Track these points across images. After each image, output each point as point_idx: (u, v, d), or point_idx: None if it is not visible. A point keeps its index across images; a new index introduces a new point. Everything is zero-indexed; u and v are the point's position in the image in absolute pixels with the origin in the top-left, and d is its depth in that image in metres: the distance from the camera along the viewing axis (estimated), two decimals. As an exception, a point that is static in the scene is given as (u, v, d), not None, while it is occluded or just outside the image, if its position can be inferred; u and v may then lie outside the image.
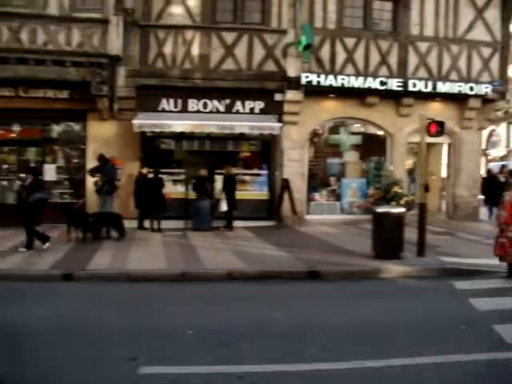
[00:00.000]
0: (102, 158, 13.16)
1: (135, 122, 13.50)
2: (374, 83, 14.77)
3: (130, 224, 12.83)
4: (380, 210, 10.43)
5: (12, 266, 9.30)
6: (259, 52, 14.56)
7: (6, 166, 14.86)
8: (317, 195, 15.83)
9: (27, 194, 10.84)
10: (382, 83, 14.81)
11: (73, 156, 15.05)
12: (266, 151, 15.35)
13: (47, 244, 10.81)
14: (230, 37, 14.46)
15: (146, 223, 13.64)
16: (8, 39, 13.36)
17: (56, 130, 14.99)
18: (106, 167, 13.05)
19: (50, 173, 14.51)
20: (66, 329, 6.02)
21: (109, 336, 5.76)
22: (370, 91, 14.92)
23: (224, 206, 13.89)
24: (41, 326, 6.13)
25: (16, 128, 14.77)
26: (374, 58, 15.04)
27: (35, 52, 13.36)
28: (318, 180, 16.02)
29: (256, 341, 5.63)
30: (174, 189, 14.60)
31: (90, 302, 7.34)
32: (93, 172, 13.18)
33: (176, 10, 14.44)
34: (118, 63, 13.93)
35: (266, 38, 14.60)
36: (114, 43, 13.66)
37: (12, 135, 14.88)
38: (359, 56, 14.97)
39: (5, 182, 14.72)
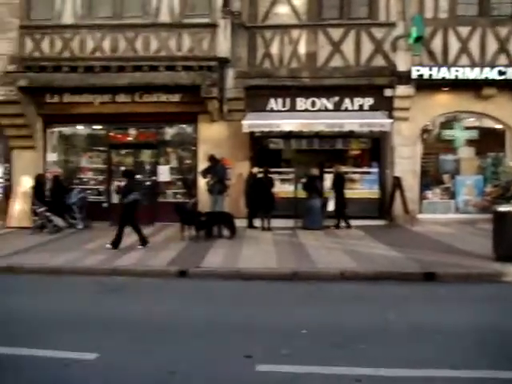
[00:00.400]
0: (212, 159, 13.43)
1: (244, 122, 13.72)
2: (491, 73, 13.93)
3: (240, 223, 13.02)
4: (502, 208, 9.77)
5: (131, 262, 9.76)
6: (367, 47, 14.24)
7: (123, 168, 15.59)
8: (429, 193, 15.20)
9: (122, 195, 11.40)
10: (501, 73, 13.92)
11: (185, 157, 15.58)
12: (376, 149, 14.97)
13: (109, 246, 11.07)
14: (336, 33, 14.27)
15: (256, 222, 13.79)
16: (124, 49, 14.14)
17: (169, 132, 15.63)
18: (216, 167, 13.32)
19: (164, 174, 15.14)
20: (183, 325, 6.19)
21: (225, 333, 5.86)
22: (487, 82, 14.08)
23: (331, 205, 13.76)
24: (159, 322, 6.36)
25: (132, 131, 15.57)
26: (492, 46, 14.14)
27: (149, 59, 14.01)
28: (430, 178, 15.36)
29: (371, 343, 5.48)
30: (282, 188, 14.63)
31: (204, 299, 7.52)
32: (204, 173, 13.49)
33: (282, 9, 14.49)
34: (226, 65, 14.26)
35: (374, 32, 14.24)
36: (223, 46, 14.00)
37: (128, 138, 15.69)
38: (474, 45, 14.16)
39: (123, 183, 15.43)
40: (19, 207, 14.96)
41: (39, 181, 14.17)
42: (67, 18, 14.44)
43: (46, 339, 5.68)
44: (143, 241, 11.23)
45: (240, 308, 7.01)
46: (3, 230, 14.56)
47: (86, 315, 6.68)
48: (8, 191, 15.58)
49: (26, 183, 14.90)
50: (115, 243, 11.03)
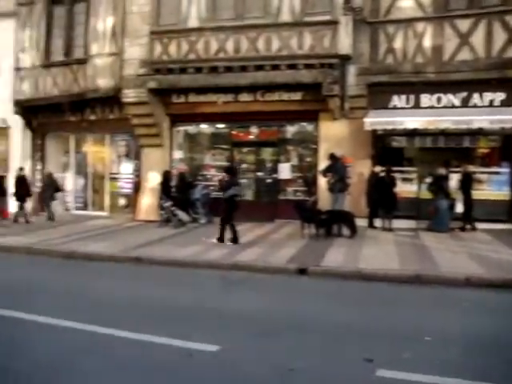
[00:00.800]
0: (332, 157, 13.32)
1: (367, 120, 13.41)
2: None
3: (360, 222, 12.78)
4: None
5: (251, 258, 9.94)
6: (500, 37, 13.19)
7: (244, 166, 16.04)
8: None
9: (223, 190, 11.67)
10: None
11: (305, 155, 15.61)
12: (507, 147, 13.92)
13: (213, 240, 11.40)
14: (464, 24, 13.43)
15: (377, 222, 13.50)
16: (247, 49, 14.42)
17: (290, 130, 15.77)
18: (336, 166, 13.19)
19: (284, 171, 15.30)
20: (301, 323, 6.16)
21: (344, 334, 5.77)
22: None
23: (459, 207, 13.10)
24: (276, 318, 6.38)
25: (254, 130, 15.88)
26: None
27: (270, 58, 14.17)
28: None
29: (498, 357, 5.02)
30: (404, 187, 14.09)
31: (324, 298, 7.47)
32: (325, 172, 13.41)
33: (405, 2, 13.94)
34: (348, 62, 14.04)
35: (509, 20, 13.14)
36: (344, 43, 13.81)
37: (250, 137, 16.02)
38: None
39: (244, 180, 15.84)
40: (147, 202, 15.89)
41: (166, 177, 14.89)
42: (193, 22, 15.00)
43: (169, 328, 5.93)
44: (235, 238, 11.38)
45: (360, 309, 6.86)
46: (132, 222, 15.52)
47: (206, 307, 6.91)
48: (137, 186, 16.57)
49: (153, 179, 15.78)
50: (234, 239, 11.34)
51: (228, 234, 11.41)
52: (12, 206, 16.37)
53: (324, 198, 13.76)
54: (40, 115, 18.21)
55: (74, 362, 4.95)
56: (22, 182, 16.10)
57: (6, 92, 18.17)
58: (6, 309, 6.63)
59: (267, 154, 15.98)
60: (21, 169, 16.57)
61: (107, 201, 17.82)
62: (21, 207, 15.96)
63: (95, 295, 7.65)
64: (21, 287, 8.09)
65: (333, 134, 14.47)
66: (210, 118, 15.95)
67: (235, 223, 11.51)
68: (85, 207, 18.33)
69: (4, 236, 13.11)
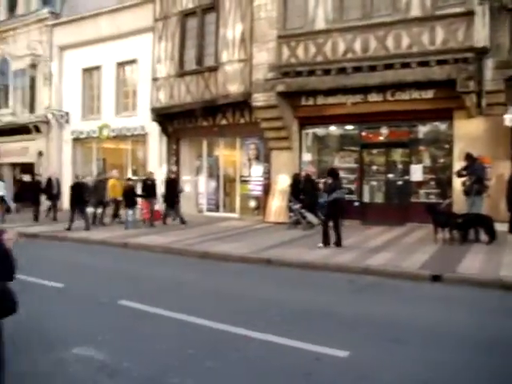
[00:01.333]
0: (469, 157, 12.55)
1: (507, 116, 12.51)
2: None
3: (500, 227, 11.90)
4: None
5: (382, 263, 9.69)
6: None
7: (374, 167, 15.71)
8: None
9: (327, 194, 11.54)
10: None
11: (438, 156, 14.93)
12: None
13: (320, 245, 11.33)
14: None
15: (519, 228, 12.55)
16: (375, 48, 14.07)
17: (422, 130, 15.14)
18: (473, 166, 12.42)
19: (416, 173, 14.75)
20: (430, 333, 5.91)
21: (485, 349, 5.40)
22: None
23: None
24: (408, 325, 6.20)
25: (384, 131, 15.45)
26: None
27: (400, 56, 13.71)
28: None
29: None
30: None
31: (459, 307, 7.10)
32: (460, 173, 12.68)
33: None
34: (484, 56, 13.18)
35: None
36: (480, 35, 12.98)
37: (380, 138, 15.63)
38: None
39: (374, 183, 15.55)
40: (277, 204, 16.16)
41: (295, 179, 15.02)
42: (319, 24, 14.93)
43: (298, 330, 5.98)
44: (337, 241, 11.37)
45: (502, 321, 6.39)
46: (262, 224, 15.83)
47: (335, 311, 6.87)
48: (267, 189, 16.88)
49: (283, 182, 15.99)
50: (325, 241, 11.39)
51: (333, 237, 11.44)
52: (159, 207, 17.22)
53: (459, 201, 13.04)
54: (175, 121, 19.30)
55: (204, 360, 5.14)
56: (171, 184, 16.66)
57: (145, 101, 19.52)
58: (155, 307, 7.09)
59: (398, 155, 15.50)
60: (171, 171, 17.49)
61: (238, 203, 18.35)
62: (169, 209, 16.60)
63: (227, 295, 7.91)
64: (166, 284, 8.64)
65: (468, 133, 13.68)
66: (339, 120, 15.82)
67: (342, 226, 11.72)
68: (216, 209, 19.05)
69: (144, 235, 14.09)
